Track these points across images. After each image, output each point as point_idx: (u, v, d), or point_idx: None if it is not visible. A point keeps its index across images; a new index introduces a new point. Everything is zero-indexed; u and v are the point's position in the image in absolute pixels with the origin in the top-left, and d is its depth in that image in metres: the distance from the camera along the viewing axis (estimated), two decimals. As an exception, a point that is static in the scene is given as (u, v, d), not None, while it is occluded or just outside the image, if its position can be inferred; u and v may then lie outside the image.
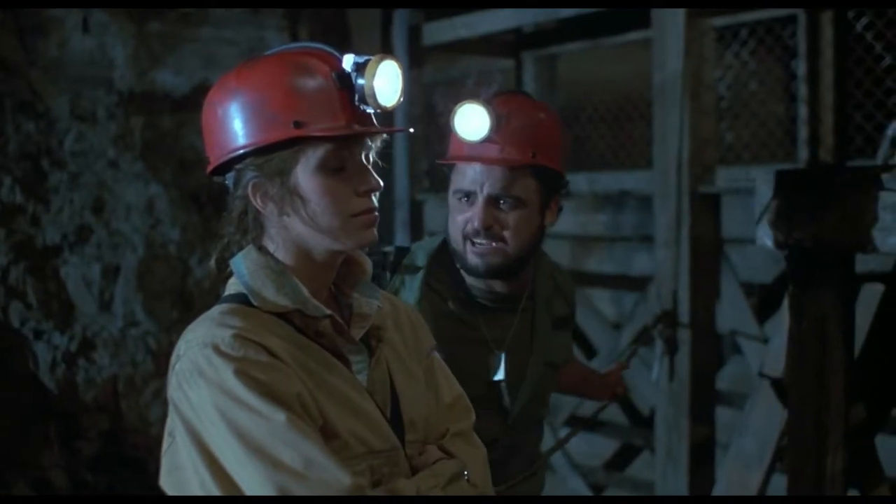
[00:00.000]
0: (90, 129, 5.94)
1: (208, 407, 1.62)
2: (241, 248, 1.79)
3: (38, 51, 5.91)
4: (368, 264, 1.88)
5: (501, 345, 2.52)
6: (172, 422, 1.69)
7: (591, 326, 5.73)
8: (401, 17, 6.16)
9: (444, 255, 2.53)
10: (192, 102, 6.19)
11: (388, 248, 2.59)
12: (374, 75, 1.72)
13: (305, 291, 1.74)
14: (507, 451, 2.51)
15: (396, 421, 1.81)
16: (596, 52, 6.10)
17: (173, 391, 1.68)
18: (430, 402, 1.90)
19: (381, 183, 1.78)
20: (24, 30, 5.89)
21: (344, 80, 1.73)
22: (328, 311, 1.75)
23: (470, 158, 2.45)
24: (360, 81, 1.72)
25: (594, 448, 5.96)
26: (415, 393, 1.87)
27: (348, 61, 1.74)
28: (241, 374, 1.62)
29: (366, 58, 1.73)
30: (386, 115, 1.78)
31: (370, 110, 1.76)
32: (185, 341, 1.69)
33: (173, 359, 1.70)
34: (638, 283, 5.50)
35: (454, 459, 1.85)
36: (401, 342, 1.91)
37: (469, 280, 2.52)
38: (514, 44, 6.38)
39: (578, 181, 5.81)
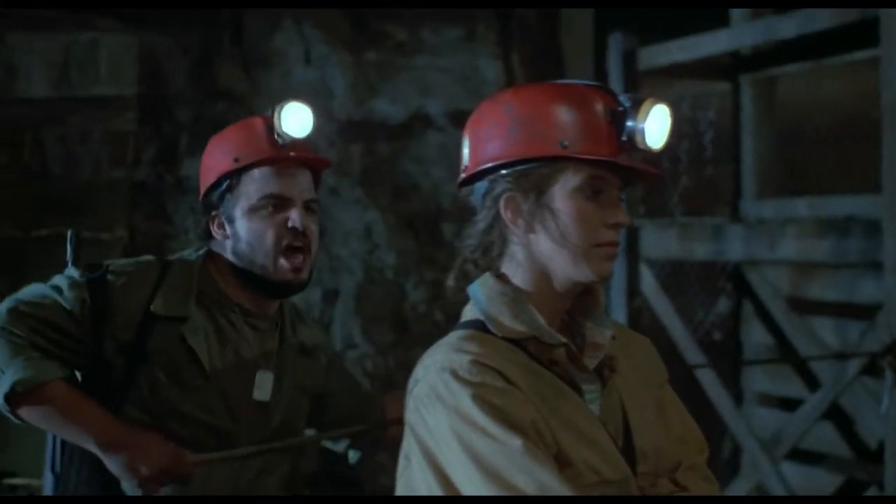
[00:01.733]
0: (311, 157, 6.14)
1: (445, 431, 1.64)
2: (478, 269, 1.81)
3: (262, 82, 6.17)
4: (602, 295, 1.86)
5: (269, 364, 2.44)
6: (408, 445, 1.72)
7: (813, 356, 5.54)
8: (615, 42, 6.11)
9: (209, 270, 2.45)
10: (407, 130, 6.33)
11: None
12: (647, 116, 1.73)
13: (541, 319, 1.74)
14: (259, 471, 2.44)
15: (628, 451, 1.78)
16: (815, 72, 5.91)
17: (410, 414, 1.71)
18: (661, 433, 1.87)
19: (629, 220, 1.79)
20: (249, 62, 6.16)
21: (615, 116, 1.75)
22: (564, 340, 1.75)
23: (292, 160, 2.43)
24: (630, 122, 1.73)
25: (817, 481, 5.75)
26: (647, 424, 1.84)
27: (623, 99, 1.76)
28: (478, 399, 1.63)
29: (640, 98, 1.75)
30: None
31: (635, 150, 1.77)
32: (422, 366, 1.72)
33: (411, 383, 1.73)
34: (864, 312, 5.28)
35: (687, 493, 1.82)
36: (632, 372, 1.88)
37: (235, 297, 2.43)
38: (731, 66, 6.25)
39: (799, 205, 5.63)
